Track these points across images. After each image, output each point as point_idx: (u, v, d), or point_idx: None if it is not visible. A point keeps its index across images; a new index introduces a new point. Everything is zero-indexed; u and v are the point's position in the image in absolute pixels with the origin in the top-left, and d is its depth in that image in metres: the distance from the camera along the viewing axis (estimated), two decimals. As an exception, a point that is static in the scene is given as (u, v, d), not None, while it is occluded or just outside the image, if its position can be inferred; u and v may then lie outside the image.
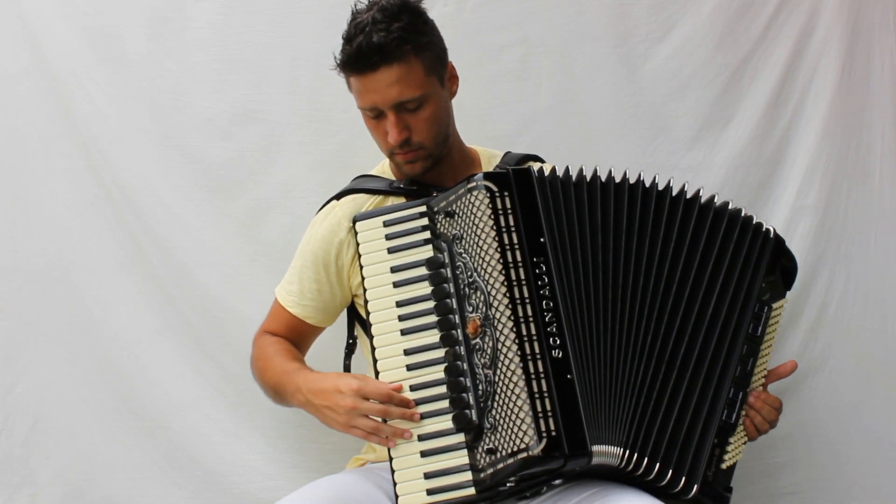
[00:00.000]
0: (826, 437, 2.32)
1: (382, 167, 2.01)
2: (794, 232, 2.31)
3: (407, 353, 1.70)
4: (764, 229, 1.85)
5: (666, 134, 2.34)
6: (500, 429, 1.59)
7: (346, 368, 1.97)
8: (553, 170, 1.77)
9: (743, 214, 1.84)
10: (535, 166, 1.99)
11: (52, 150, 2.27)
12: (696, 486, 1.69)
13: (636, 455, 1.65)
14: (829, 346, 2.34)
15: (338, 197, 1.96)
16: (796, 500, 2.32)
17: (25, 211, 2.28)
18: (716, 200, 1.82)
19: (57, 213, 2.28)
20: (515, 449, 1.57)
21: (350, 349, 1.99)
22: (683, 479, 1.68)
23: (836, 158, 2.33)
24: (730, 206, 1.83)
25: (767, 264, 1.83)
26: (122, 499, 2.26)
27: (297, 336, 1.99)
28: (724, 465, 1.77)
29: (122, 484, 2.26)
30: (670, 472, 1.67)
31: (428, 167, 1.88)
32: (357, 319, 1.99)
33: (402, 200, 1.92)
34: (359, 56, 1.77)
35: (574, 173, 1.78)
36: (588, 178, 1.78)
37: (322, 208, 1.98)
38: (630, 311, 1.71)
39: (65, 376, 2.27)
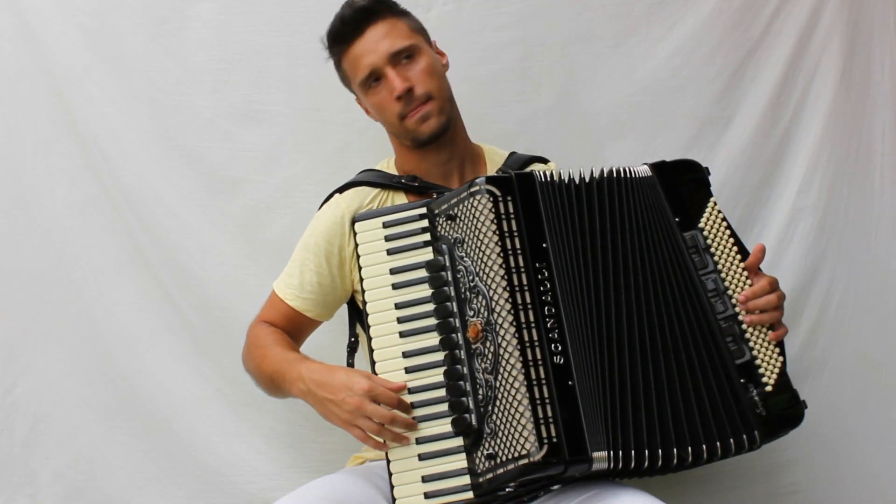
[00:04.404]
0: (826, 437, 2.31)
1: (388, 163, 2.02)
2: (794, 232, 2.31)
3: (405, 355, 1.70)
4: None
5: (666, 134, 2.34)
6: (500, 434, 1.59)
7: (350, 366, 1.95)
8: (558, 174, 1.76)
9: None
10: (540, 168, 1.99)
11: (52, 150, 2.27)
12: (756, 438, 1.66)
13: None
14: (829, 346, 2.34)
15: (341, 190, 1.96)
16: (796, 500, 2.32)
17: (25, 211, 2.28)
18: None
19: (57, 213, 2.28)
20: (516, 455, 1.56)
21: (352, 347, 1.98)
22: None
23: (836, 158, 2.34)
24: None
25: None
26: (122, 499, 2.26)
27: (295, 328, 1.98)
28: (768, 388, 1.70)
29: (122, 484, 2.26)
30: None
31: (443, 125, 1.89)
32: (358, 318, 1.98)
33: (403, 196, 1.93)
34: (344, 24, 1.90)
35: (576, 175, 1.77)
36: (592, 180, 1.76)
37: (326, 201, 1.98)
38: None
39: (65, 376, 2.27)
